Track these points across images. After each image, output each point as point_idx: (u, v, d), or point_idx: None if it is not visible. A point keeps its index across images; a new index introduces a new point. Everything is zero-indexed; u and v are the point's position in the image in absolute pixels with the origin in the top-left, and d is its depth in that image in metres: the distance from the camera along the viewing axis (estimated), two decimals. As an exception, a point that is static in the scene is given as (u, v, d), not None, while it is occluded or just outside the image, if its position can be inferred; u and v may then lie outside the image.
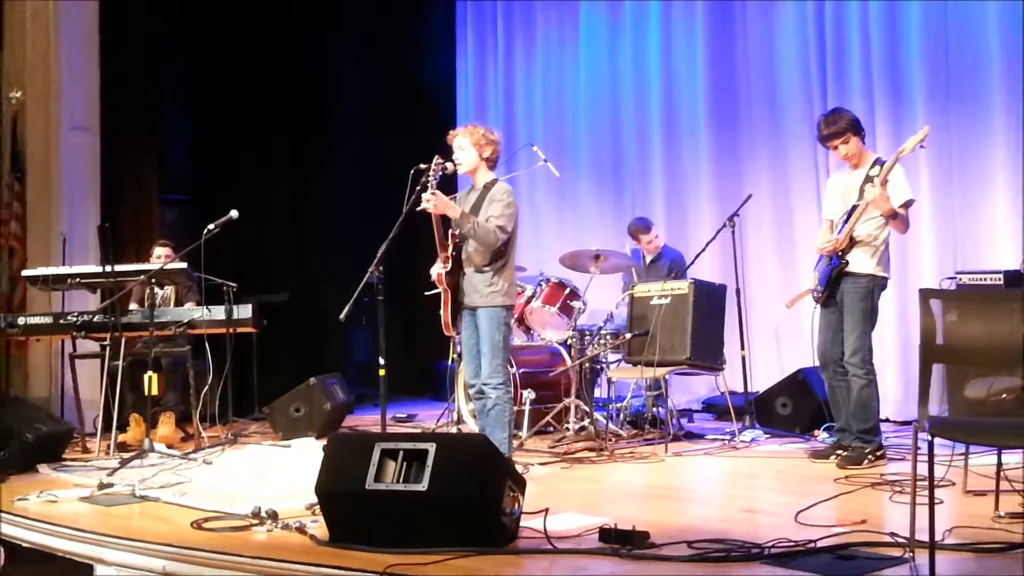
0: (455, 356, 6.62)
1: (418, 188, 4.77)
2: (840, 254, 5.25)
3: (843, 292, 5.27)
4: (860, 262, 5.23)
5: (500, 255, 4.92)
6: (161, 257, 6.67)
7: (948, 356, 3.48)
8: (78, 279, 6.30)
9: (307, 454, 5.11)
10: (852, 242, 5.22)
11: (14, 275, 6.95)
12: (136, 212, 8.14)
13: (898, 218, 5.11)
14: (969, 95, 6.77)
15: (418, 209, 4.77)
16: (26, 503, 4.47)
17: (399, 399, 8.75)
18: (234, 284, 6.70)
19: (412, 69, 9.71)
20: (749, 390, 6.60)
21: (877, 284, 5.25)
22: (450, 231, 4.95)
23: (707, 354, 6.34)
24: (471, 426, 6.31)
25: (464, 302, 4.95)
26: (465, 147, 5.00)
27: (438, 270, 4.99)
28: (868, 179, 5.19)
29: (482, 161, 5.02)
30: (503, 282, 4.91)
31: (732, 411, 6.37)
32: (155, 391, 5.68)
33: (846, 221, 5.25)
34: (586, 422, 6.35)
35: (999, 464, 3.90)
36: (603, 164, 8.87)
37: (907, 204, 5.15)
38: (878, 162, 5.26)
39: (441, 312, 5.00)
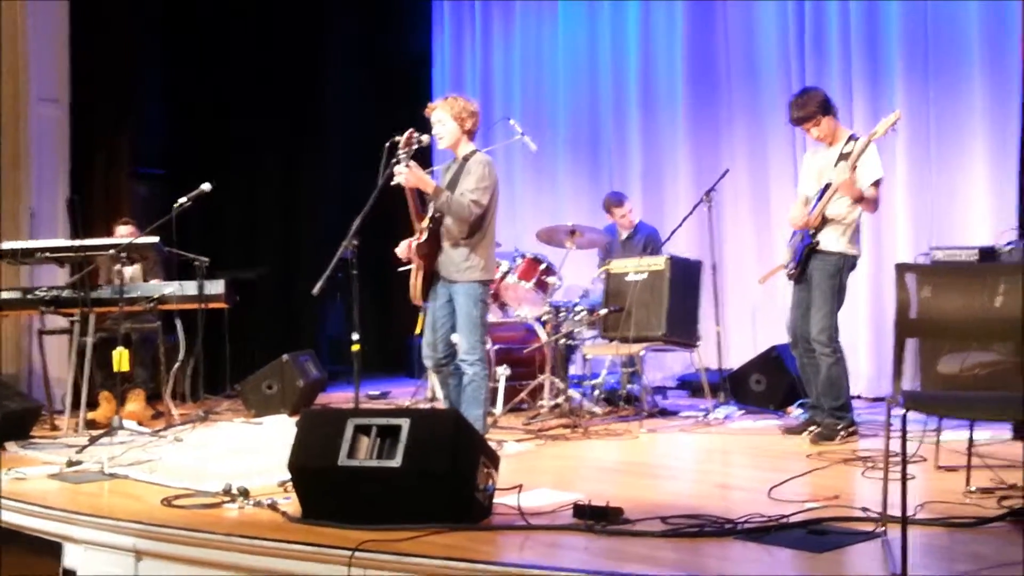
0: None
1: (393, 161, 4.72)
2: (812, 232, 5.25)
3: (812, 269, 5.28)
4: (830, 240, 5.24)
5: (477, 229, 4.85)
6: (125, 236, 6.56)
7: (922, 330, 3.48)
8: (46, 253, 6.19)
9: (279, 431, 5.09)
10: (824, 221, 5.23)
11: (-19, 249, 6.83)
12: (107, 186, 8.00)
13: (865, 200, 5.12)
14: (947, 71, 6.77)
15: (392, 183, 4.73)
16: (-7, 480, 4.41)
17: (373, 376, 8.72)
18: (206, 259, 6.61)
19: (388, 42, 9.61)
20: (723, 367, 6.62)
21: (846, 263, 5.27)
22: (428, 203, 4.90)
23: (682, 330, 6.34)
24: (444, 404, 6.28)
25: (441, 274, 4.90)
26: (445, 120, 4.91)
27: (403, 250, 4.96)
28: (842, 157, 5.19)
29: (463, 134, 4.94)
30: (481, 257, 4.85)
31: (707, 388, 6.39)
32: (124, 367, 5.60)
33: (819, 199, 5.25)
34: (561, 399, 6.34)
35: (971, 440, 3.93)
36: (580, 139, 8.83)
37: (876, 183, 5.15)
38: (852, 138, 5.26)
39: (411, 281, 4.95)
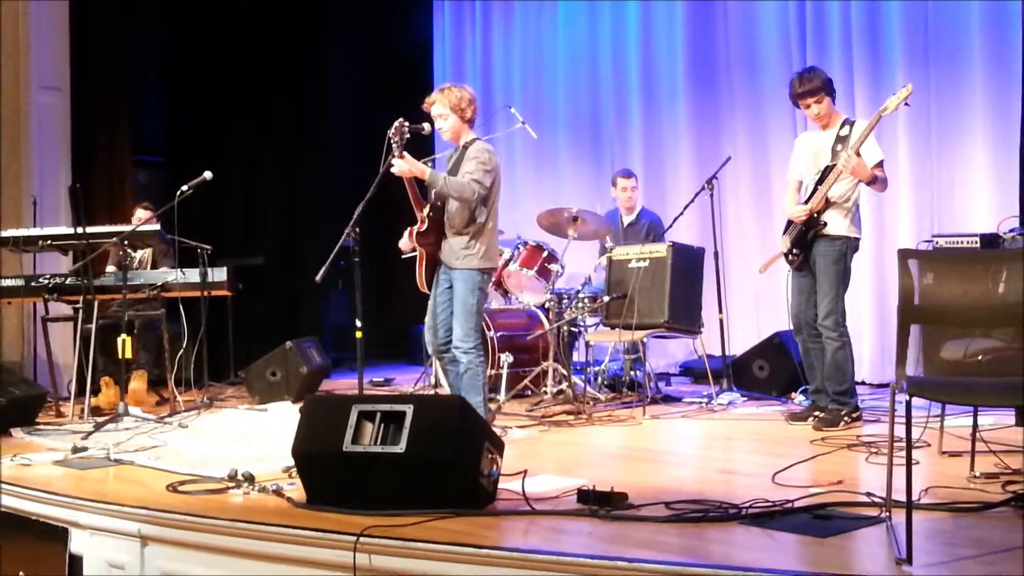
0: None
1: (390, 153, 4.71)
2: (816, 215, 5.23)
3: (816, 255, 5.26)
4: (834, 224, 5.22)
5: (478, 216, 4.86)
6: (142, 219, 6.59)
7: (925, 317, 3.48)
8: (49, 241, 6.21)
9: (283, 418, 5.10)
10: (827, 203, 5.21)
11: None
12: (108, 173, 8.00)
13: (877, 181, 5.11)
14: (948, 57, 6.75)
15: (392, 172, 4.73)
16: (-1, 467, 4.43)
17: (376, 363, 8.73)
18: (208, 247, 6.63)
19: (389, 32, 9.59)
20: (726, 353, 6.62)
21: (850, 246, 5.26)
22: (428, 191, 4.91)
23: (685, 317, 6.33)
24: (449, 391, 6.29)
25: (443, 261, 4.93)
26: (445, 113, 4.91)
27: (405, 242, 4.99)
28: (839, 140, 5.17)
29: (464, 123, 4.94)
30: (481, 245, 4.86)
31: (709, 374, 6.38)
32: (129, 354, 5.63)
33: (818, 182, 5.23)
34: (564, 385, 6.36)
35: (975, 425, 3.93)
36: (581, 126, 8.81)
37: (879, 165, 5.13)
38: (847, 123, 5.24)
39: (416, 270, 4.97)
